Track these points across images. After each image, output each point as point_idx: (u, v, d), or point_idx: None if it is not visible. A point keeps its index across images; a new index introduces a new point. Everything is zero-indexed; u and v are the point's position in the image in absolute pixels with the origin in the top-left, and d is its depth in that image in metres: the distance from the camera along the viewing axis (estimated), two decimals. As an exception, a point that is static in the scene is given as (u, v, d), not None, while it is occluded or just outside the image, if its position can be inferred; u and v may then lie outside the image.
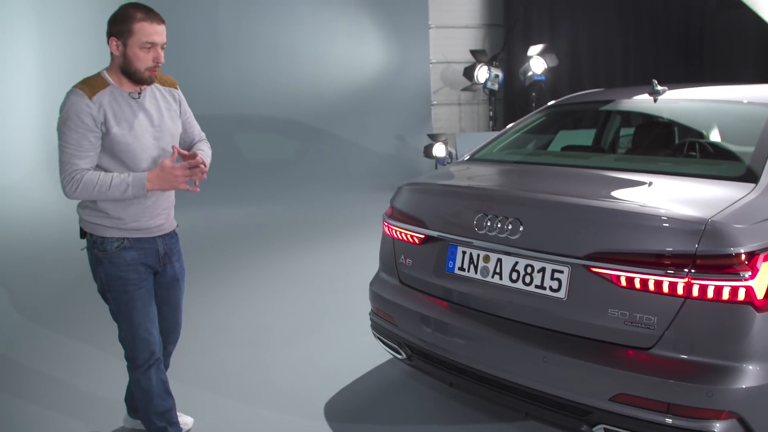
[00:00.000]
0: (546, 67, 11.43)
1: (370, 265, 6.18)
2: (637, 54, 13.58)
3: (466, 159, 3.63)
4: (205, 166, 2.75)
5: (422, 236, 2.98)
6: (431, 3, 12.61)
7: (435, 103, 13.03)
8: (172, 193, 2.91)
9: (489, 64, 11.71)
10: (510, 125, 3.90)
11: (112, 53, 2.64)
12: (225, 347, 4.38)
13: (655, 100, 3.53)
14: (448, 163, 11.01)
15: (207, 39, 11.04)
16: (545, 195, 2.66)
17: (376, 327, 3.28)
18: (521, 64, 11.90)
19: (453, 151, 11.02)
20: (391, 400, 3.53)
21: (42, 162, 8.49)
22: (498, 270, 2.67)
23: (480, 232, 2.69)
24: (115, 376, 3.73)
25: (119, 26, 2.58)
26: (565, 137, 4.16)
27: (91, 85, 2.61)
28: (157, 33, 2.59)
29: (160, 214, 2.83)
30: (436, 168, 11.32)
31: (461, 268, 2.81)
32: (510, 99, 13.17)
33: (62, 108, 2.59)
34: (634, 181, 2.75)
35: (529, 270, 2.57)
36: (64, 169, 2.59)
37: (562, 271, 2.47)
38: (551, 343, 2.45)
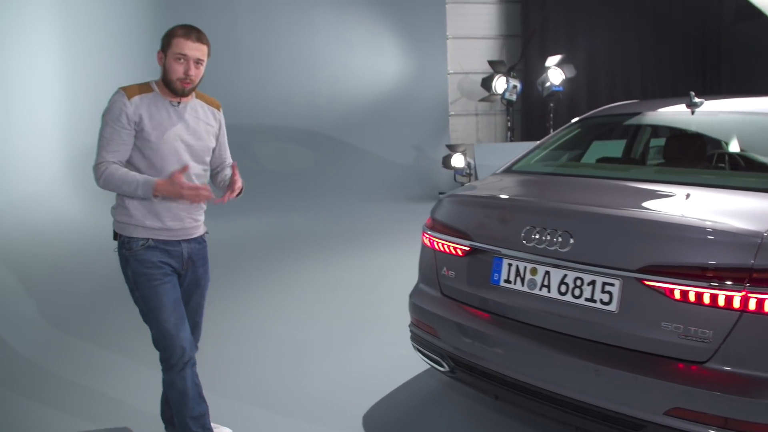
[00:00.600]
0: (564, 77, 11.45)
1: (396, 275, 6.23)
2: (655, 65, 13.59)
3: (502, 171, 3.63)
4: (232, 192, 2.91)
5: (466, 248, 2.97)
6: (449, 14, 12.66)
7: (452, 113, 13.07)
8: None
9: (507, 74, 11.73)
10: (546, 137, 3.90)
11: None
12: (257, 358, 4.38)
13: (693, 112, 3.51)
14: (467, 173, 11.02)
15: (226, 51, 11.12)
16: (597, 208, 2.65)
17: (416, 339, 3.27)
18: (538, 74, 11.94)
19: (471, 162, 11.03)
20: (430, 411, 3.52)
21: (64, 170, 8.56)
22: (546, 282, 2.66)
23: (528, 244, 2.69)
24: (146, 385, 3.75)
25: (164, 40, 2.84)
26: (599, 148, 4.15)
27: (135, 88, 2.85)
28: (189, 48, 2.79)
29: (185, 218, 2.94)
30: (455, 178, 11.34)
31: (507, 281, 2.80)
32: (527, 109, 13.20)
33: (107, 104, 2.84)
34: (682, 193, 2.73)
35: (578, 283, 2.56)
36: (96, 159, 2.81)
37: (613, 284, 2.46)
38: (603, 356, 2.44)
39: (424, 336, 3.17)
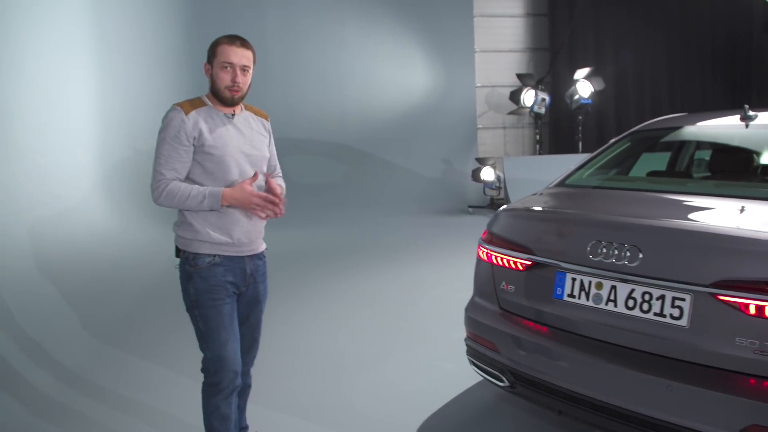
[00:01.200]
0: (593, 90, 11.42)
1: (434, 290, 6.23)
2: (684, 77, 13.51)
3: (555, 185, 3.62)
4: (283, 206, 2.87)
5: (528, 262, 2.96)
6: (477, 27, 12.70)
7: (480, 126, 13.07)
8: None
9: (535, 87, 11.72)
10: (596, 151, 3.88)
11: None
12: (300, 370, 4.38)
13: (747, 126, 3.49)
14: (496, 187, 11.01)
15: (256, 67, 11.21)
16: (667, 222, 2.63)
17: (473, 353, 3.25)
18: (566, 87, 11.92)
19: (501, 175, 11.01)
20: (485, 425, 3.50)
21: (99, 184, 8.67)
22: (612, 297, 2.64)
23: (594, 259, 2.67)
24: (188, 396, 3.74)
25: (209, 51, 2.83)
26: (648, 160, 4.13)
27: (190, 103, 2.83)
28: (235, 54, 2.79)
29: (251, 231, 2.92)
30: (485, 192, 11.32)
31: (571, 295, 2.79)
32: (555, 122, 13.18)
33: (162, 122, 2.80)
34: (751, 207, 2.71)
35: (647, 297, 2.54)
36: (154, 177, 2.77)
37: (683, 299, 2.44)
38: (675, 371, 2.42)
39: (482, 350, 3.16)
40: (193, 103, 2.83)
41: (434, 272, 6.95)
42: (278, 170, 3.18)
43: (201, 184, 2.80)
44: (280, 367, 4.41)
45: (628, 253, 2.57)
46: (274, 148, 3.16)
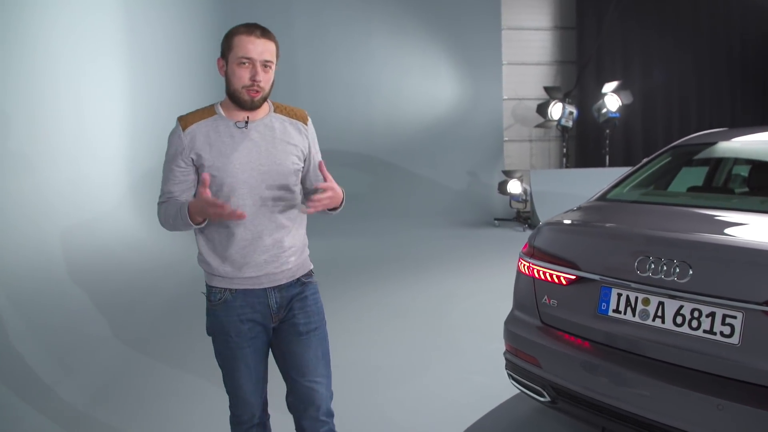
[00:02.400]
0: (621, 104, 11.36)
1: (464, 303, 6.21)
2: (713, 92, 13.40)
3: (596, 199, 3.60)
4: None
5: (572, 277, 2.94)
6: (505, 40, 12.70)
7: (506, 139, 13.05)
8: (287, 235, 2.50)
9: (563, 100, 11.69)
10: (636, 166, 3.86)
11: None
12: (334, 383, 4.36)
13: (792, 141, 3.45)
14: (523, 200, 10.96)
15: (283, 76, 11.28)
16: (719, 238, 2.61)
17: (513, 367, 3.23)
18: (593, 101, 11.87)
19: (528, 188, 10.97)
20: (522, 441, 3.48)
21: (129, 191, 8.74)
22: (660, 314, 2.61)
23: (642, 274, 2.65)
24: (222, 408, 3.71)
25: (224, 43, 2.38)
26: (685, 174, 4.10)
27: (194, 115, 2.42)
28: (254, 45, 2.30)
29: (263, 263, 2.44)
30: (511, 204, 11.28)
31: (616, 311, 2.77)
32: (582, 136, 13.12)
33: None
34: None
35: (696, 314, 2.51)
36: (158, 198, 2.49)
37: (735, 317, 2.40)
38: (726, 390, 2.38)
39: (522, 365, 3.14)
40: (201, 113, 2.42)
41: (463, 285, 6.92)
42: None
43: None
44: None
45: (677, 269, 2.54)
46: (319, 156, 2.62)
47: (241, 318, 2.43)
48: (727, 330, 2.42)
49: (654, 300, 2.64)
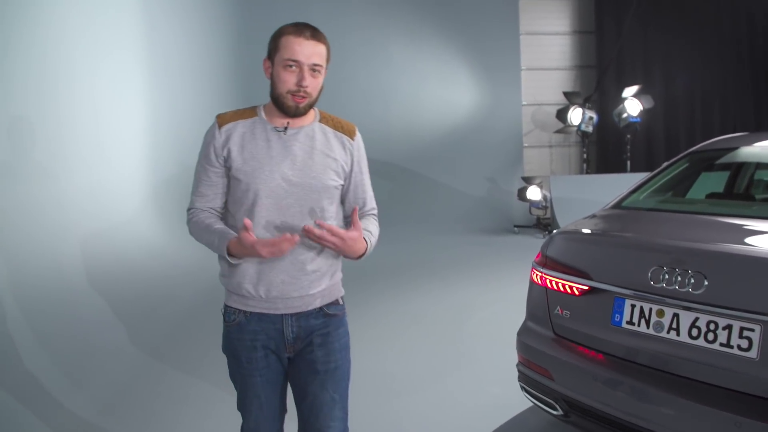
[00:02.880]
0: (642, 108, 11.21)
1: (479, 311, 6.14)
2: (736, 97, 13.16)
3: (611, 207, 3.53)
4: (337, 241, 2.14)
5: (585, 287, 2.88)
6: (523, 45, 12.62)
7: (526, 145, 12.95)
8: (312, 257, 2.28)
9: (582, 106, 11.57)
10: (654, 172, 3.77)
11: None
12: (351, 390, 4.33)
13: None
14: (543, 206, 10.86)
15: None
16: (736, 248, 2.52)
17: (525, 379, 3.17)
18: (614, 105, 11.75)
19: (547, 195, 10.86)
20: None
21: (150, 198, 8.78)
22: (675, 326, 2.54)
23: (656, 285, 2.58)
24: (237, 417, 3.71)
25: (270, 43, 2.20)
26: (705, 178, 4.00)
27: (233, 114, 2.27)
28: (303, 47, 2.13)
29: (284, 286, 2.24)
30: (530, 211, 11.18)
31: (630, 322, 2.69)
32: (603, 141, 12.98)
33: None
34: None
35: (712, 327, 2.43)
36: (189, 203, 2.35)
37: (752, 329, 2.32)
38: (744, 406, 2.30)
39: (534, 377, 3.07)
40: (239, 114, 2.26)
41: (481, 293, 6.85)
42: (369, 207, 2.48)
43: (234, 217, 2.27)
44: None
45: (692, 280, 2.47)
46: (365, 175, 2.42)
47: (254, 343, 2.27)
48: (744, 343, 2.35)
49: (668, 312, 2.57)
